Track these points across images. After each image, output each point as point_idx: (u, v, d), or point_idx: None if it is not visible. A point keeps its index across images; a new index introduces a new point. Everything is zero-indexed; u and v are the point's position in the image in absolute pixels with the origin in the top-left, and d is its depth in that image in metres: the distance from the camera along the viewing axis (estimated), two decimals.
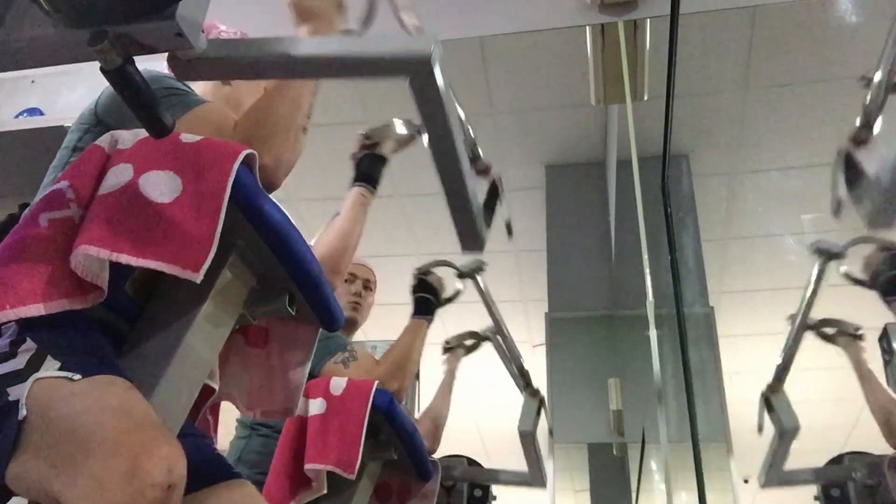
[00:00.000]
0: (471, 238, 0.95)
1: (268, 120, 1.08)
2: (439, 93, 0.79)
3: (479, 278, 2.20)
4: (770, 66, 2.81)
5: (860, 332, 1.95)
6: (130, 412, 0.76)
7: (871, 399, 1.88)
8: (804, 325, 1.94)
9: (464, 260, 2.20)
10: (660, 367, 2.28)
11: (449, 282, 2.14)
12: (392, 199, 3.51)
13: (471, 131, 0.93)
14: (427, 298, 2.03)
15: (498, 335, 2.42)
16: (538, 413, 2.40)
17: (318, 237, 1.72)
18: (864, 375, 1.91)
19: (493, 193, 1.10)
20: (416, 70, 0.77)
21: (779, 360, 1.95)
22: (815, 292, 1.91)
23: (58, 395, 0.77)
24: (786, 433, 1.87)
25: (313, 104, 1.19)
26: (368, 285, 2.10)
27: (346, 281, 2.05)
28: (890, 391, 1.87)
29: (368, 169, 1.77)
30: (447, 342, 2.45)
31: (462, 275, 2.18)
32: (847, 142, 0.99)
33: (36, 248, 0.84)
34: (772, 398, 1.92)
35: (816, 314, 1.96)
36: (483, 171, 1.07)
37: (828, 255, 1.88)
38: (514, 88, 3.10)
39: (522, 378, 2.43)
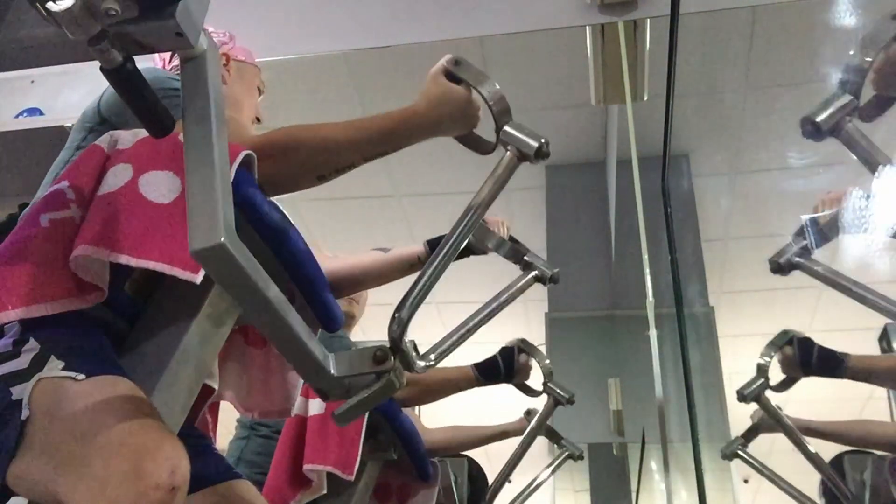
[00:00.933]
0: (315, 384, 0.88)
1: (293, 149, 1.05)
2: (225, 279, 0.74)
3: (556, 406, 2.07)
4: (770, 66, 2.81)
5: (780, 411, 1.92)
6: (134, 413, 0.76)
7: (868, 441, 1.86)
8: None
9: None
10: (660, 367, 2.28)
11: (534, 373, 2.03)
12: (392, 199, 3.51)
13: None
14: (499, 368, 1.95)
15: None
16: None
17: (351, 256, 1.68)
18: (836, 433, 1.88)
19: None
20: None
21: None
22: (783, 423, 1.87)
23: (61, 395, 0.77)
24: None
25: (346, 166, 1.10)
26: None
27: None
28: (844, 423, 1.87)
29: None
30: (528, 412, 2.27)
31: (547, 389, 2.05)
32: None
33: (37, 249, 0.84)
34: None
35: (817, 315, 1.95)
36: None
37: (760, 394, 1.81)
38: (514, 88, 3.09)
39: None
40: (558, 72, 3.04)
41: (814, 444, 1.86)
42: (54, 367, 0.80)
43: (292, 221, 0.98)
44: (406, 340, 0.90)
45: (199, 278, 0.83)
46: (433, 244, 1.68)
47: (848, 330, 2.00)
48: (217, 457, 1.12)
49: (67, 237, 0.85)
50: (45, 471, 0.74)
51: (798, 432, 1.78)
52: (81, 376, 0.78)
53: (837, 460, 1.94)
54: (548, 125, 3.32)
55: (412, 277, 0.98)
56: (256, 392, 1.15)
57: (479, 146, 1.18)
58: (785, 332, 1.75)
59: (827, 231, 1.57)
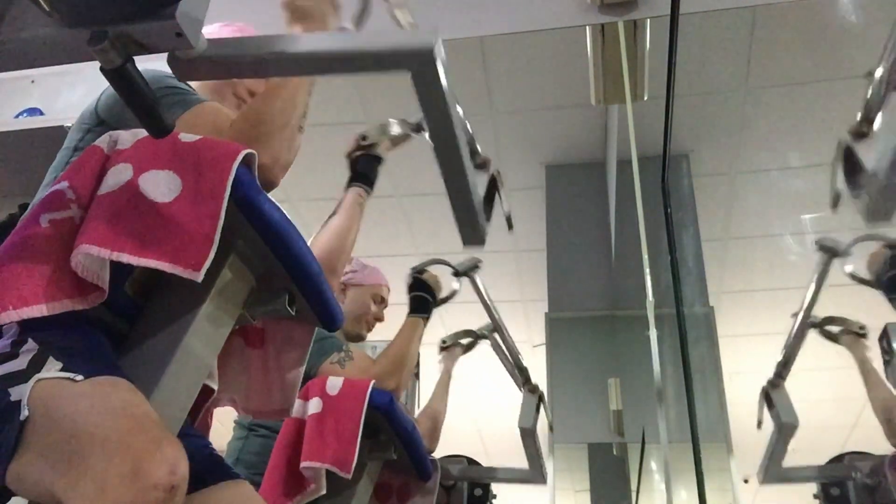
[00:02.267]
0: (472, 232, 0.95)
1: (263, 119, 1.08)
2: (441, 86, 0.79)
3: (476, 277, 2.20)
4: (770, 66, 2.81)
5: (864, 330, 1.94)
6: (133, 413, 0.76)
7: (872, 397, 1.88)
8: (806, 322, 1.93)
9: (460, 259, 2.20)
10: (660, 367, 2.28)
11: (446, 281, 2.14)
12: (392, 199, 3.51)
13: (468, 126, 0.93)
14: (423, 297, 2.03)
15: (496, 333, 2.42)
16: (538, 409, 2.40)
17: (314, 237, 1.73)
18: (868, 374, 1.90)
19: (493, 187, 1.10)
20: (418, 63, 0.77)
21: (780, 357, 1.94)
22: (818, 289, 1.90)
23: (60, 395, 0.77)
24: (784, 429, 1.87)
25: (308, 103, 1.19)
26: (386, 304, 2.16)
27: (376, 302, 2.11)
28: (893, 390, 1.86)
29: (364, 169, 1.78)
30: (443, 341, 2.45)
31: (458, 273, 2.18)
32: (847, 135, 0.99)
33: (37, 249, 0.84)
34: (772, 393, 1.91)
35: (818, 312, 1.96)
36: (481, 165, 1.07)
37: (832, 253, 1.86)
38: (514, 88, 3.10)
39: (521, 375, 2.44)
40: (558, 72, 3.04)
41: (813, 444, 1.86)
42: (53, 367, 0.80)
43: (292, 221, 0.98)
44: None
45: (199, 277, 0.83)
46: (356, 176, 1.76)
47: None
48: (216, 457, 1.12)
49: (68, 237, 0.85)
50: (44, 471, 0.74)
51: None
52: (80, 377, 0.78)
53: (838, 460, 1.94)
54: (548, 125, 3.33)
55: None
56: (255, 393, 1.15)
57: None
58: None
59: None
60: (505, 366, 2.46)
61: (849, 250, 1.85)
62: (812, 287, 1.91)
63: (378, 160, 1.80)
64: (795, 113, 2.87)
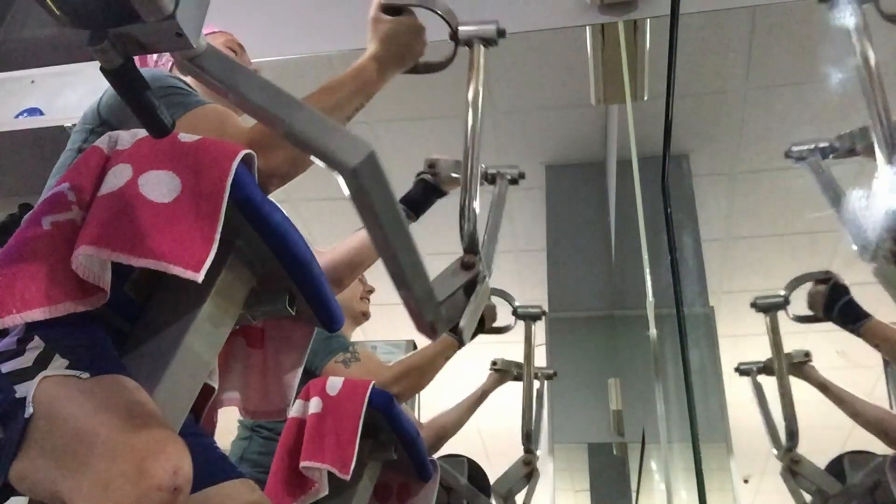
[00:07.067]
0: (420, 325, 0.91)
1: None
2: (368, 199, 0.76)
3: (533, 326, 2.14)
4: (770, 66, 2.81)
5: (809, 356, 1.95)
6: (137, 413, 0.76)
7: (854, 415, 1.87)
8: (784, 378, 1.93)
9: (524, 301, 2.14)
10: (660, 368, 2.28)
11: (503, 314, 2.09)
12: None
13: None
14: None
15: (546, 381, 2.39)
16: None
17: (339, 243, 1.69)
18: (838, 396, 1.91)
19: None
20: (346, 176, 0.75)
21: (783, 428, 1.93)
22: (776, 345, 1.92)
23: (65, 393, 0.77)
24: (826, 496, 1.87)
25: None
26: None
27: (362, 279, 2.07)
28: (866, 401, 1.88)
29: (418, 195, 1.72)
30: (494, 363, 2.37)
31: (517, 315, 2.12)
32: None
33: (39, 251, 0.84)
34: (797, 469, 1.89)
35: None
36: (467, 266, 1.06)
37: (774, 308, 1.88)
38: (514, 88, 3.10)
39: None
40: (558, 72, 3.04)
41: (813, 445, 1.86)
42: (58, 365, 0.80)
43: (292, 221, 0.98)
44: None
45: (200, 277, 0.83)
46: (404, 201, 1.71)
47: None
48: (220, 456, 1.12)
49: (69, 239, 0.85)
50: (48, 469, 0.74)
51: (785, 367, 1.83)
52: (85, 375, 0.78)
53: (838, 460, 1.94)
54: (548, 125, 3.33)
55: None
56: (254, 393, 1.16)
57: (436, 66, 1.22)
58: (827, 272, 1.77)
59: None
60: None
61: (787, 300, 1.87)
62: (770, 342, 1.92)
63: (436, 192, 1.74)
64: (795, 113, 2.86)
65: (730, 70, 2.84)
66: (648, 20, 2.54)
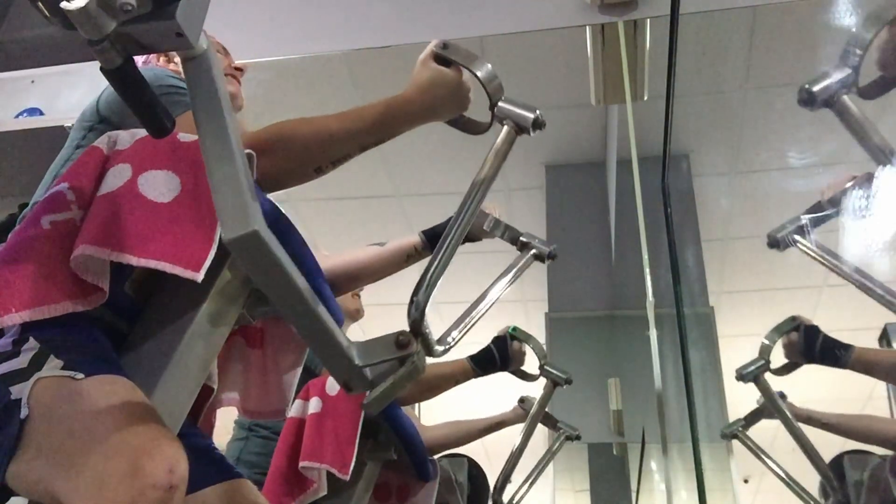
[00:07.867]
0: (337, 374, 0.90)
1: (283, 136, 1.06)
2: (257, 267, 0.77)
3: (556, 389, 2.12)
4: (770, 66, 2.81)
5: (784, 397, 1.94)
6: (133, 412, 0.76)
7: (849, 434, 1.86)
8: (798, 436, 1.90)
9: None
10: (660, 367, 2.28)
11: (530, 360, 2.08)
12: (392, 199, 3.51)
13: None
14: (493, 357, 1.99)
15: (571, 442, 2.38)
16: None
17: (347, 251, 1.69)
18: (824, 423, 1.90)
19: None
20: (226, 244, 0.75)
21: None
22: (779, 409, 1.89)
23: (60, 394, 0.77)
24: None
25: (350, 155, 1.13)
26: None
27: None
28: (848, 415, 1.87)
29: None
30: (522, 400, 2.33)
31: (543, 370, 2.11)
32: None
33: (38, 251, 0.84)
34: None
35: (818, 314, 1.95)
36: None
37: (759, 373, 1.85)
38: (514, 88, 3.09)
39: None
40: (558, 72, 3.04)
41: (815, 440, 1.86)
42: (54, 366, 0.80)
43: (292, 221, 0.98)
44: (425, 324, 0.90)
45: (200, 277, 0.83)
46: (429, 234, 1.68)
47: (848, 330, 1.99)
48: (218, 456, 1.12)
49: (68, 239, 0.85)
50: (44, 470, 0.74)
51: (794, 420, 1.80)
52: (81, 375, 0.78)
53: (837, 460, 1.94)
54: (548, 125, 3.32)
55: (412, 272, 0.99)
56: (254, 393, 1.16)
57: (473, 127, 1.20)
58: (792, 318, 1.76)
59: (827, 207, 1.58)
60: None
61: (768, 362, 1.84)
62: (778, 414, 1.90)
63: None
64: (795, 113, 2.86)
65: (730, 70, 2.84)
66: (648, 20, 2.54)
